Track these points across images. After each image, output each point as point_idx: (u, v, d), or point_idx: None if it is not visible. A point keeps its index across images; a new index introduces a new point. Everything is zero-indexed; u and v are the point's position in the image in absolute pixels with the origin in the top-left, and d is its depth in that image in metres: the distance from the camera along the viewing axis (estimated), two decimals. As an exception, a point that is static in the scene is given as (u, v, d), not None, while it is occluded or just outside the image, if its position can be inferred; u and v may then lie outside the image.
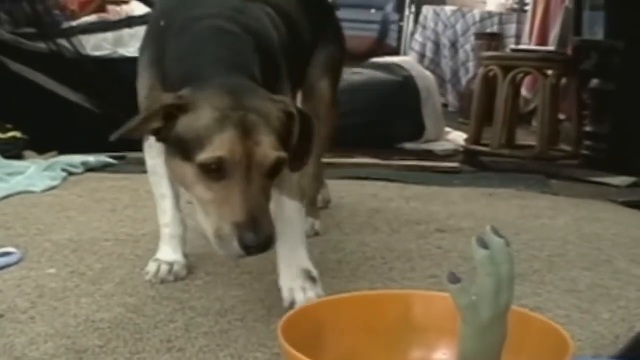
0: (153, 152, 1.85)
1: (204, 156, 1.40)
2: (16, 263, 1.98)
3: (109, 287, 1.83)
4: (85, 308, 1.68)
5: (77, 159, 3.38)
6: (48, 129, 3.68)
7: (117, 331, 1.54)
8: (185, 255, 1.95)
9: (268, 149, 1.42)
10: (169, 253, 1.92)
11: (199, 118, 1.42)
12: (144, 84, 1.77)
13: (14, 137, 3.65)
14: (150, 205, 2.77)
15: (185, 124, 1.43)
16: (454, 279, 1.01)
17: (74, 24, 4.13)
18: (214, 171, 1.41)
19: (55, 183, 3.05)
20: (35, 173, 3.14)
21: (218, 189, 1.42)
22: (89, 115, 3.80)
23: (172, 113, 1.45)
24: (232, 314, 1.66)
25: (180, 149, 1.45)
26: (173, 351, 1.46)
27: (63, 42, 3.92)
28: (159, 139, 1.51)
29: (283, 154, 1.45)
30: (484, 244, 1.03)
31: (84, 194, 2.87)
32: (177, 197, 1.94)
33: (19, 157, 3.52)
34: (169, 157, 1.51)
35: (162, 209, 1.95)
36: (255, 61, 1.61)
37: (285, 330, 1.11)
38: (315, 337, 1.18)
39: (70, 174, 3.24)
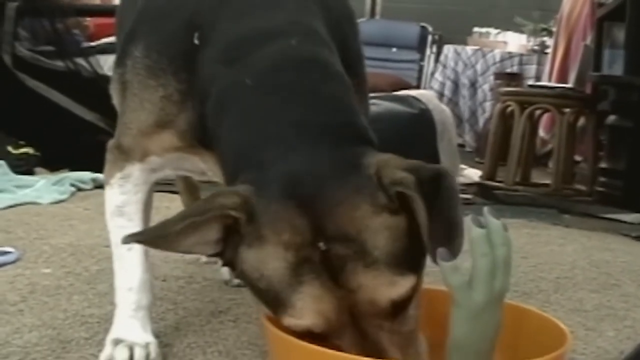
0: (128, 184, 1.33)
1: (288, 321, 0.95)
2: (13, 262, 1.95)
3: (103, 286, 1.79)
4: (76, 304, 1.65)
5: (87, 175, 3.36)
6: (60, 147, 3.68)
7: (105, 325, 1.49)
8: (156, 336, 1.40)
9: (372, 292, 0.92)
10: (138, 331, 1.35)
11: (264, 259, 0.94)
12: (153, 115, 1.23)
13: (25, 153, 3.65)
14: (156, 219, 2.74)
15: (250, 263, 0.96)
16: (446, 256, 0.95)
17: (93, 43, 4.16)
18: (312, 334, 0.95)
19: (63, 197, 3.03)
20: (43, 186, 3.13)
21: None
22: (103, 135, 3.79)
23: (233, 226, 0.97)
24: (225, 315, 1.62)
25: (255, 291, 0.98)
26: (160, 346, 1.41)
27: (81, 61, 3.94)
28: (225, 262, 1.02)
29: (402, 285, 0.94)
30: (479, 224, 0.98)
31: (90, 207, 2.84)
32: (147, 251, 1.36)
33: (29, 173, 3.51)
34: None
35: (125, 265, 1.36)
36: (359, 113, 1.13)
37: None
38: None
39: (79, 189, 3.23)
